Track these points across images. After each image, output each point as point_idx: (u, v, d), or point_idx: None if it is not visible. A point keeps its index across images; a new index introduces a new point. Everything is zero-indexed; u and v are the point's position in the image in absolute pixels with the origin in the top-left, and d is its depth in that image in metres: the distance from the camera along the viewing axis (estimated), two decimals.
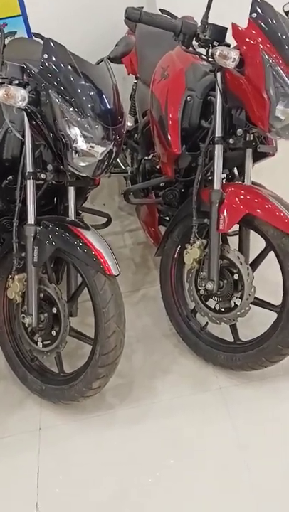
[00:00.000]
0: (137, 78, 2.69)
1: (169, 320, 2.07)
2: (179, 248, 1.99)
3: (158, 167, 2.24)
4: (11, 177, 1.94)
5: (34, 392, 1.94)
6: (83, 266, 1.71)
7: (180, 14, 2.92)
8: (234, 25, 1.58)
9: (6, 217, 2.05)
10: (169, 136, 1.87)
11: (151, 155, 2.33)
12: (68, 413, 1.89)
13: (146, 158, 2.35)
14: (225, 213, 1.74)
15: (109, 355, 1.70)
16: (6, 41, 2.89)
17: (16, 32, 2.98)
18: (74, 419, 1.87)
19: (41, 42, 2.96)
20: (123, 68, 2.78)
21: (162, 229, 2.33)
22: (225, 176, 2.08)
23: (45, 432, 1.85)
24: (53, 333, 1.81)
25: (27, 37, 3.01)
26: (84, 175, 1.71)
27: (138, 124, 2.62)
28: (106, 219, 2.29)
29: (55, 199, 2.07)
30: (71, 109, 1.57)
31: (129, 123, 1.98)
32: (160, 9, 2.98)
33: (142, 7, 3.03)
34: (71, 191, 1.81)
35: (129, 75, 2.80)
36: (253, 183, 1.98)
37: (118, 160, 2.72)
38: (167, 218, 2.30)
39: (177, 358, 2.04)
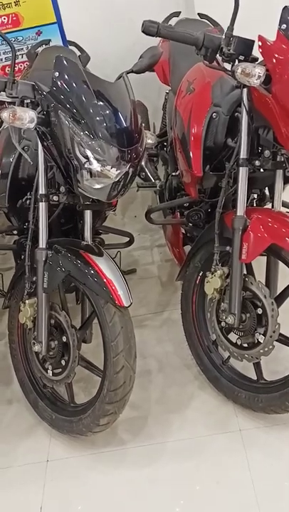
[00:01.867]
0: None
1: (190, 350, 1.94)
2: (201, 274, 1.86)
3: None
4: (28, 195, 1.88)
5: (44, 420, 1.86)
6: (93, 295, 1.61)
7: (219, 18, 2.80)
8: (261, 38, 1.44)
9: (25, 236, 1.99)
10: (190, 156, 1.74)
11: (179, 171, 2.20)
12: (78, 445, 1.80)
13: (173, 174, 2.23)
14: (248, 242, 1.60)
15: (117, 391, 1.59)
16: (40, 49, 2.89)
17: (50, 40, 2.92)
18: (83, 453, 1.78)
19: (75, 51, 2.92)
20: None
21: (187, 249, 2.21)
22: (255, 196, 1.93)
23: (52, 465, 1.76)
24: (63, 362, 1.72)
25: (62, 45, 2.94)
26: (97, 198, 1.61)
27: (168, 134, 2.51)
28: (128, 238, 2.19)
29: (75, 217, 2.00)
30: (82, 131, 1.47)
31: (150, 140, 1.86)
32: (199, 13, 2.85)
33: (180, 12, 2.92)
34: (87, 214, 1.72)
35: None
36: (285, 204, 1.82)
37: (148, 173, 2.61)
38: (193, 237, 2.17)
39: (197, 392, 1.90)
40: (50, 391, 1.89)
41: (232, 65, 1.52)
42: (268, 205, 1.92)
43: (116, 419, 1.68)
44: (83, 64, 2.78)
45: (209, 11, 2.85)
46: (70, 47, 2.94)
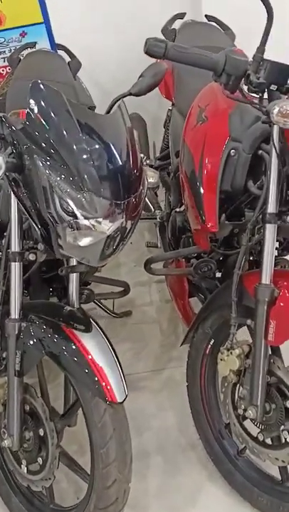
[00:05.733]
0: (173, 104, 2.22)
1: (198, 433, 1.60)
2: (212, 343, 1.52)
3: None
4: None
5: None
6: (78, 384, 1.27)
7: (229, 21, 2.45)
8: None
9: None
10: (203, 206, 1.38)
11: (184, 206, 1.85)
12: None
13: (177, 210, 1.88)
14: (278, 320, 1.25)
15: (107, 509, 1.25)
16: (25, 53, 2.52)
17: (36, 43, 2.56)
18: None
19: (64, 57, 2.55)
20: None
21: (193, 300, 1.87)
22: (277, 245, 1.59)
23: None
24: (39, 460, 1.38)
25: (49, 49, 2.57)
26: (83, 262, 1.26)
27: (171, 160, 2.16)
28: (122, 288, 1.85)
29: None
30: (64, 181, 1.12)
31: (151, 179, 1.50)
32: (206, 15, 2.51)
33: (185, 13, 2.56)
34: (72, 277, 1.37)
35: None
36: None
37: (147, 200, 2.26)
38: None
39: (206, 485, 1.57)
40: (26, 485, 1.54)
41: (260, 96, 1.17)
42: None
43: None
44: (73, 72, 2.41)
45: (218, 12, 2.50)
46: (59, 51, 2.58)
